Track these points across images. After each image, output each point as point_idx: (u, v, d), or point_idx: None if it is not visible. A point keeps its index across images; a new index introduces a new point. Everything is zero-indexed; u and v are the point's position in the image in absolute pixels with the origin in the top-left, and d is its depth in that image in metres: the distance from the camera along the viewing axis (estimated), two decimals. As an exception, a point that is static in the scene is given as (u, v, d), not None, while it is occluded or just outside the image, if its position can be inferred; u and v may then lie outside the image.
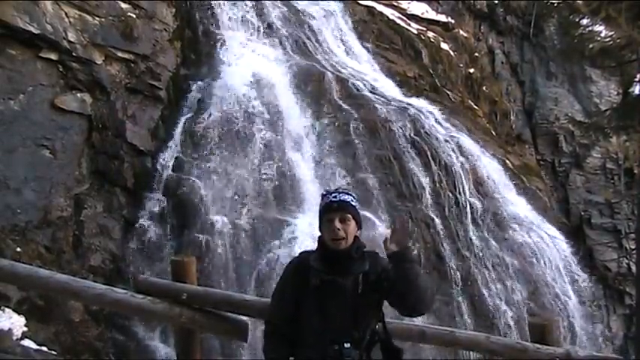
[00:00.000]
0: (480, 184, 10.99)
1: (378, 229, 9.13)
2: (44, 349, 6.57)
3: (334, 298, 2.89)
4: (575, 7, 10.87)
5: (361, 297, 2.91)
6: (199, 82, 10.57)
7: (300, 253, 3.13)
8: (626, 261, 13.43)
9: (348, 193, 3.03)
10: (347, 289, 2.90)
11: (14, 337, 6.38)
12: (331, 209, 2.94)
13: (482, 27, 16.47)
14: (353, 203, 2.99)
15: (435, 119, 11.48)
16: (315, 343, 2.88)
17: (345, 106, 10.79)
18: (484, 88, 15.37)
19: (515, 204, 11.25)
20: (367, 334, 2.90)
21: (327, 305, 2.89)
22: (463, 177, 10.75)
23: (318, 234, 3.03)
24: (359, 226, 3.00)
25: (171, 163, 9.45)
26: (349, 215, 2.94)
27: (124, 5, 10.02)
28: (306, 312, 2.92)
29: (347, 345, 2.84)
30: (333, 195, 2.99)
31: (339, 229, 2.89)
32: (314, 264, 2.94)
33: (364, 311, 2.91)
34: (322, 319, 2.89)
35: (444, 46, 14.64)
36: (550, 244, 11.16)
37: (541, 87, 16.25)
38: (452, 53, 14.68)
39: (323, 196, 3.05)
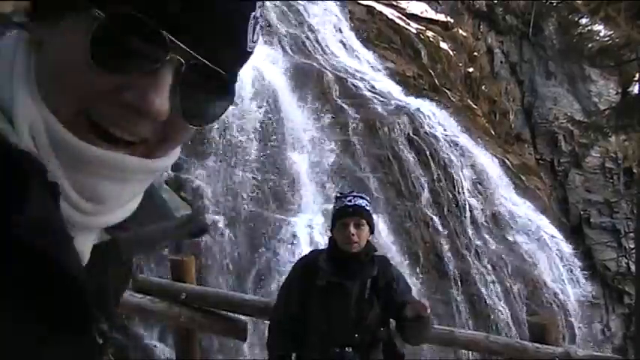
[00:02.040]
0: (479, 184, 10.99)
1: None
2: (43, 348, 6.55)
3: (339, 301, 2.89)
4: (575, 7, 10.88)
5: (367, 302, 2.91)
6: (198, 82, 10.55)
7: (311, 252, 3.15)
8: (626, 260, 13.43)
9: (362, 197, 3.03)
10: (353, 292, 2.90)
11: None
12: (346, 213, 2.94)
13: (481, 26, 16.47)
14: (367, 208, 2.99)
15: (435, 118, 11.48)
16: (318, 344, 2.89)
17: (344, 106, 10.79)
18: (483, 87, 15.37)
19: (515, 203, 11.26)
20: (369, 337, 2.90)
21: (332, 307, 2.89)
22: (462, 176, 10.76)
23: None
24: (372, 231, 3.00)
25: (170, 163, 9.45)
26: (364, 220, 2.94)
27: (123, 5, 10.02)
28: (311, 312, 2.93)
29: (348, 349, 2.84)
30: (348, 199, 2.99)
31: (353, 234, 2.89)
32: (322, 265, 2.94)
33: (368, 316, 2.91)
34: (326, 320, 2.89)
35: (443, 45, 14.64)
36: (549, 244, 11.17)
37: (540, 86, 16.25)
38: (451, 53, 14.68)
39: (337, 198, 3.05)
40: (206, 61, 0.64)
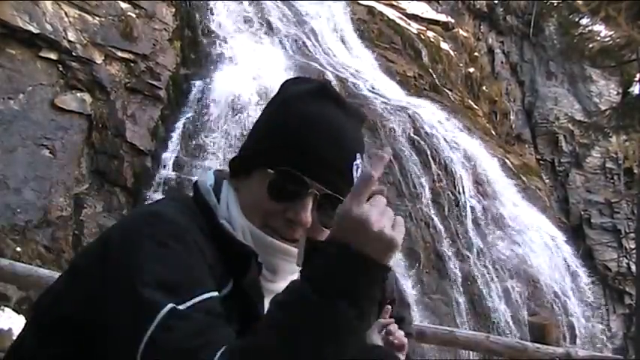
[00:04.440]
0: (479, 184, 10.99)
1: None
2: (44, 348, 6.54)
3: None
4: (575, 7, 10.88)
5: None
6: (199, 82, 10.56)
7: None
8: (626, 261, 13.42)
9: None
10: None
11: (14, 337, 6.38)
12: None
13: (481, 27, 16.46)
14: None
15: (435, 119, 11.48)
16: None
17: (344, 106, 10.78)
18: (484, 87, 15.37)
19: (515, 204, 11.25)
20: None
21: None
22: (463, 177, 10.75)
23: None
24: None
25: (171, 163, 9.45)
26: None
27: (123, 5, 10.02)
28: None
29: None
30: None
31: None
32: None
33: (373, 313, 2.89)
34: None
35: (444, 45, 14.64)
36: (550, 244, 11.16)
37: (541, 87, 16.24)
38: (452, 53, 14.68)
39: None
40: (331, 192, 1.11)
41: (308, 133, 1.12)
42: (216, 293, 1.01)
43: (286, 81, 1.29)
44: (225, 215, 1.14)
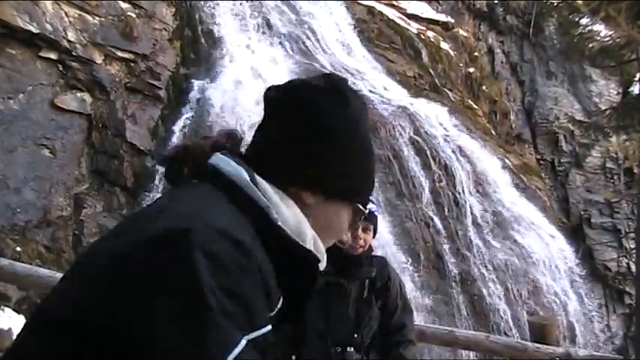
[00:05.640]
0: (479, 184, 10.99)
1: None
2: (44, 348, 6.55)
3: (339, 301, 2.90)
4: (575, 7, 10.87)
5: (366, 302, 2.92)
6: (199, 82, 10.57)
7: None
8: (626, 260, 13.42)
9: (372, 201, 3.02)
10: (351, 293, 2.91)
11: (14, 337, 6.38)
12: None
13: (481, 26, 16.47)
14: (376, 213, 3.00)
15: (435, 119, 11.48)
16: (318, 345, 2.89)
17: (344, 106, 10.77)
18: (484, 87, 15.37)
19: (515, 203, 11.25)
20: (369, 337, 2.91)
21: (331, 307, 2.89)
22: (463, 176, 10.75)
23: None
24: (374, 234, 3.00)
25: (171, 163, 9.45)
26: (372, 225, 2.95)
27: (123, 5, 10.02)
28: (310, 312, 2.92)
29: (350, 348, 2.85)
30: None
31: (361, 238, 2.89)
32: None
33: (367, 316, 2.92)
34: (325, 321, 2.89)
35: (444, 45, 14.64)
36: (550, 244, 11.16)
37: (541, 86, 16.24)
38: (451, 53, 14.68)
39: None
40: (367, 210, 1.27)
41: (370, 162, 1.26)
42: (270, 327, 0.95)
43: (301, 86, 1.21)
44: (282, 220, 1.06)
